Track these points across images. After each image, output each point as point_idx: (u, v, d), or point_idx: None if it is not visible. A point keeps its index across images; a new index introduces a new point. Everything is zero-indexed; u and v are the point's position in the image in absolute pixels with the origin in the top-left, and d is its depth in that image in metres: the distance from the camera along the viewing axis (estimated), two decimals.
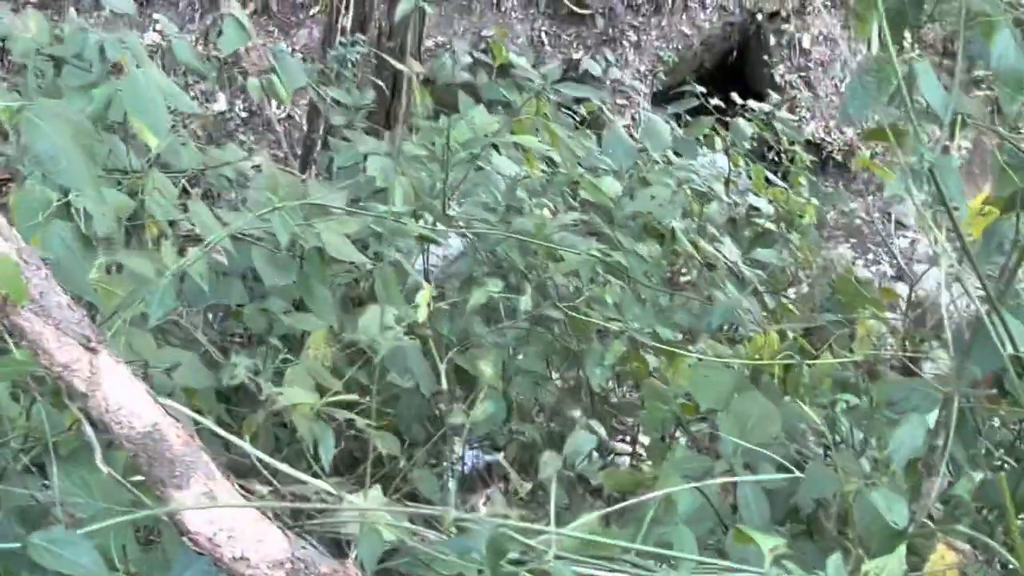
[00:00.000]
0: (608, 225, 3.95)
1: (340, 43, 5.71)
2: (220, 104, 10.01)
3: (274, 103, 8.93)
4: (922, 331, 4.60)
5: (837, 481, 2.57)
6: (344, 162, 4.30)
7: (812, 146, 10.81)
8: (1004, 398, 2.98)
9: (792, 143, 6.45)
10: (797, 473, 2.51)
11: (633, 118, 10.15)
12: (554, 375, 4.19)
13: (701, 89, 5.37)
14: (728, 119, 5.58)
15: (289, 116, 9.89)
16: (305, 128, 7.12)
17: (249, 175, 4.26)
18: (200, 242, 3.14)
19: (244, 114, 10.20)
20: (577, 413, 2.66)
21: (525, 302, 3.00)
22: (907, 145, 2.35)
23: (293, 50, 10.39)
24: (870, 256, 10.40)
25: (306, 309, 3.54)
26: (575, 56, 11.43)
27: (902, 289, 6.68)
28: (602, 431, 2.24)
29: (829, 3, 11.97)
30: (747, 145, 5.55)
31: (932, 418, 2.68)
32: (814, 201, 5.41)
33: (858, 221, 9.73)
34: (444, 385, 3.22)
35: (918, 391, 2.73)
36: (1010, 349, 2.26)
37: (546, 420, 4.30)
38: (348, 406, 2.62)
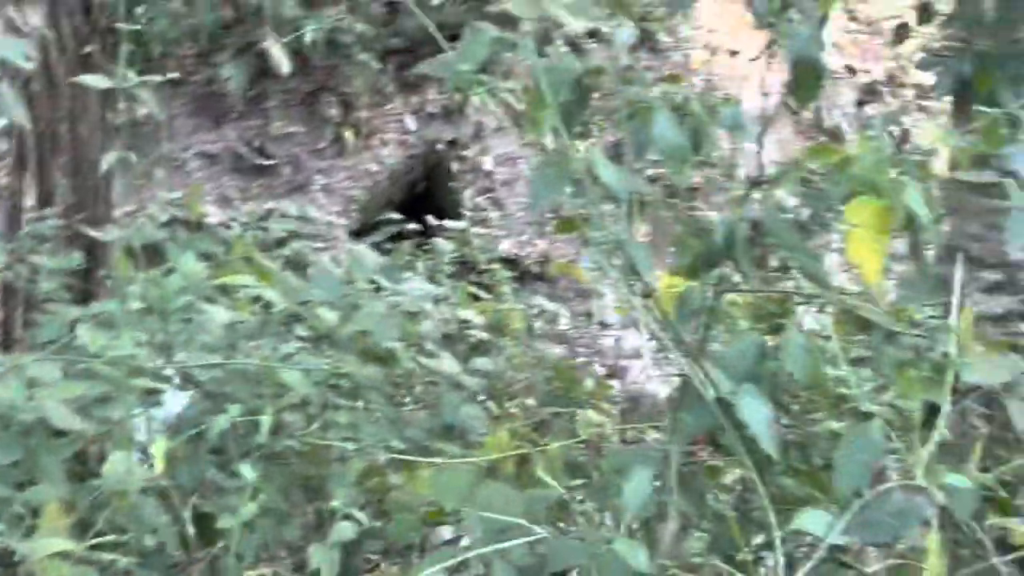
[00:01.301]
0: (330, 351, 4.07)
1: (28, 221, 5.67)
2: None
3: None
4: (637, 415, 4.89)
5: (581, 548, 2.74)
6: (51, 335, 4.28)
7: (510, 262, 11.22)
8: (718, 450, 3.25)
9: (491, 261, 6.77)
10: (544, 535, 2.66)
11: (334, 258, 10.31)
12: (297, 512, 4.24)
13: (398, 216, 5.60)
14: (427, 242, 5.83)
15: None
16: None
17: None
18: None
19: None
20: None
21: (262, 433, 3.07)
22: (595, 226, 2.58)
23: None
24: (580, 359, 10.80)
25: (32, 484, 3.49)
26: (267, 206, 11.55)
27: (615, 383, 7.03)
28: (362, 517, 2.33)
29: (505, 124, 12.48)
30: (448, 268, 5.81)
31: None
32: (519, 306, 5.68)
33: (564, 326, 10.11)
34: (190, 532, 3.24)
35: (640, 454, 2.95)
36: (713, 393, 2.50)
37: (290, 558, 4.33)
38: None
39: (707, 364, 2.55)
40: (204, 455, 3.35)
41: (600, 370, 10.50)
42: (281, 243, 5.40)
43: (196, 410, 3.95)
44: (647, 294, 2.69)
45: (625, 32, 2.61)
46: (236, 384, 3.68)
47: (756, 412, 2.45)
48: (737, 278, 3.04)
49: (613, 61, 2.60)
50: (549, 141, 2.75)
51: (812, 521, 2.30)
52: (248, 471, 2.91)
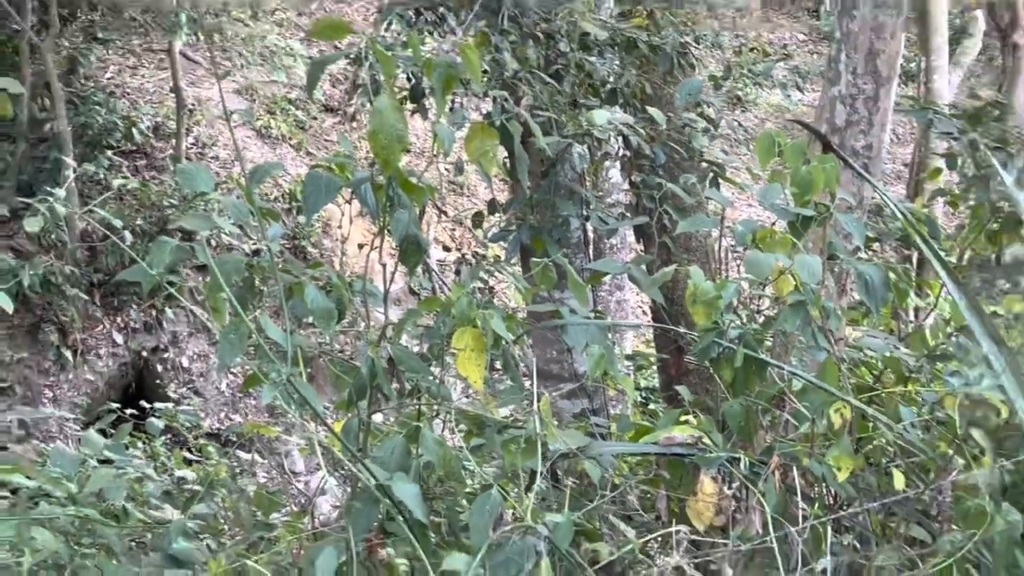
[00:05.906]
0: (73, 512, 3.89)
1: None
2: None
3: None
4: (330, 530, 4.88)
5: None
6: None
7: (214, 435, 10.96)
8: (387, 536, 3.32)
9: (198, 437, 6.63)
10: None
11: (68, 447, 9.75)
12: None
13: (115, 405, 5.43)
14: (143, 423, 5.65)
15: None
16: None
17: None
18: None
19: None
20: None
21: None
22: (270, 378, 2.65)
23: None
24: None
25: None
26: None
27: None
28: None
29: (195, 330, 12.32)
30: (163, 447, 5.66)
31: None
32: (224, 461, 5.59)
33: (262, 477, 9.89)
34: None
35: (327, 543, 2.97)
36: (374, 482, 2.59)
37: None
38: None
39: (368, 464, 2.64)
40: None
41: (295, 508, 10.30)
42: (20, 441, 5.11)
43: None
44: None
45: (274, 229, 2.73)
46: None
47: (406, 491, 2.55)
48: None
49: (269, 252, 2.71)
50: (228, 320, 2.81)
51: (456, 562, 2.40)
52: None
